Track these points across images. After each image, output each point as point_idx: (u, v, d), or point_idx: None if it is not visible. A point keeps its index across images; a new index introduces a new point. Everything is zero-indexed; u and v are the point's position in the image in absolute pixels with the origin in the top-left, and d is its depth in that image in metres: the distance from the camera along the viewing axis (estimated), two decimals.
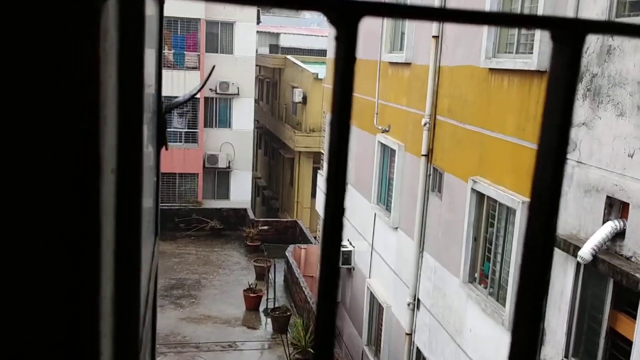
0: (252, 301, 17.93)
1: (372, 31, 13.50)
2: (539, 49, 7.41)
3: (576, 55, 0.44)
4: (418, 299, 11.08)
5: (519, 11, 8.18)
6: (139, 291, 0.71)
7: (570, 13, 6.85)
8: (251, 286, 18.18)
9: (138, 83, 0.67)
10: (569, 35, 0.44)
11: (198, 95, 25.47)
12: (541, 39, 7.41)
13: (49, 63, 0.46)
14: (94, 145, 0.47)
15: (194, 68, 25.61)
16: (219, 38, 26.62)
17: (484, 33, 8.69)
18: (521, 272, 0.48)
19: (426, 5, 0.46)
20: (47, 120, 0.47)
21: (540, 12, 7.42)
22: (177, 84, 24.71)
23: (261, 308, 17.96)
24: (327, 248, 0.42)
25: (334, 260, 0.43)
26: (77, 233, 0.47)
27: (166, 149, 1.54)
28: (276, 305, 17.41)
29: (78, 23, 0.46)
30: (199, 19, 25.49)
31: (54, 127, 0.47)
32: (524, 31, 8.13)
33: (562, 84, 0.44)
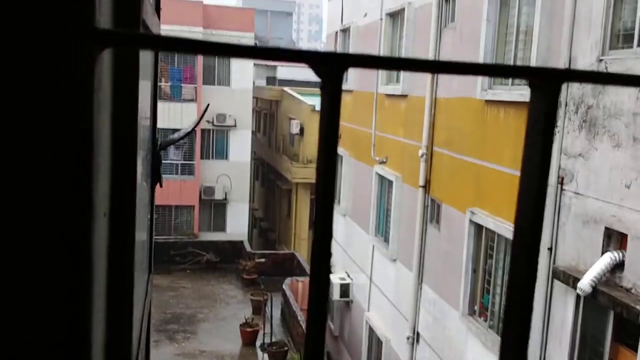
0: (249, 336, 17.69)
1: None
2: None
3: (552, 102, 0.45)
4: (417, 333, 10.95)
5: (513, 46, 8.28)
6: (130, 334, 0.69)
7: (564, 47, 6.93)
8: (247, 320, 17.95)
9: (132, 131, 0.66)
10: (545, 83, 0.46)
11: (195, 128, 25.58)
12: None
13: (43, 110, 0.47)
14: (87, 192, 0.46)
15: (190, 100, 25.77)
16: (216, 70, 26.86)
17: None
18: (507, 301, 0.50)
19: (409, 57, 0.47)
20: (41, 168, 0.47)
21: (534, 46, 7.50)
22: (174, 116, 24.82)
23: (258, 343, 17.70)
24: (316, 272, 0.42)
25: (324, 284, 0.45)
26: (68, 277, 0.46)
27: (160, 186, 1.52)
28: (273, 340, 17.17)
29: (74, 72, 0.46)
30: None
31: (47, 173, 0.47)
32: (519, 63, 8.21)
33: (539, 129, 0.45)
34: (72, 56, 0.45)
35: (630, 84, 0.50)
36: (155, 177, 1.48)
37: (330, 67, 0.41)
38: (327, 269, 0.47)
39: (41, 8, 0.45)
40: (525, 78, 0.47)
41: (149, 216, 1.42)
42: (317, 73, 0.42)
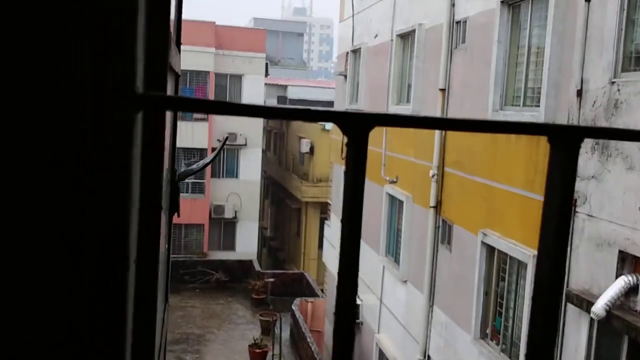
0: (258, 357, 17.56)
1: (379, 83, 13.69)
2: (546, 102, 7.46)
3: (572, 159, 0.46)
4: (428, 356, 10.82)
5: (524, 67, 8.28)
6: None
7: (576, 68, 6.92)
8: (256, 341, 17.84)
9: (157, 182, 0.69)
10: (564, 141, 0.46)
11: (206, 146, 25.71)
12: (547, 93, 7.47)
13: (88, 172, 0.51)
14: (124, 243, 0.48)
15: (202, 119, 25.95)
16: (227, 90, 27.07)
17: (491, 86, 8.78)
18: (531, 323, 0.49)
19: (429, 115, 0.49)
20: (82, 216, 0.50)
21: (545, 67, 7.50)
22: (186, 135, 24.97)
23: None
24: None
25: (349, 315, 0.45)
26: (105, 330, 0.47)
27: (178, 215, 1.52)
28: None
29: (117, 131, 0.50)
30: (208, 72, 25.98)
31: (89, 221, 0.50)
32: (530, 84, 8.21)
33: (559, 187, 0.46)
34: (114, 120, 0.48)
35: None
36: (173, 208, 1.48)
37: (357, 125, 0.43)
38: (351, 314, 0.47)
39: (89, 78, 0.48)
40: (546, 134, 0.47)
41: (166, 246, 1.42)
42: (344, 131, 0.43)
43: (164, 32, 0.83)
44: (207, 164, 2.16)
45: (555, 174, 0.46)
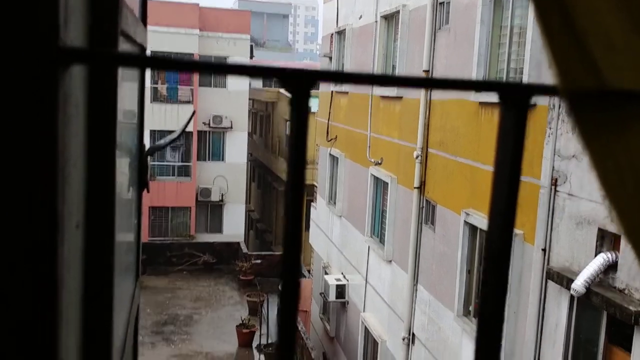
0: (245, 337, 17.69)
1: (364, 65, 13.67)
2: (528, 82, 7.50)
3: (521, 116, 0.47)
4: (413, 333, 10.97)
5: (507, 47, 8.31)
6: (109, 341, 0.70)
7: None
8: (244, 321, 17.96)
9: (110, 140, 0.68)
10: (514, 98, 0.47)
11: (191, 129, 25.55)
12: (529, 73, 7.51)
13: (6, 125, 0.48)
14: (52, 201, 0.47)
15: (187, 102, 25.76)
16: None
17: (474, 67, 8.81)
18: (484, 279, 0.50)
19: (367, 72, 0.50)
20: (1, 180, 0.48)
21: (528, 47, 7.53)
22: (170, 117, 24.81)
23: (254, 344, 17.71)
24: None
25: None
26: (33, 292, 0.47)
27: (147, 191, 1.53)
28: (270, 341, 17.18)
29: (35, 89, 0.48)
30: (192, 54, 25.75)
31: (9, 186, 0.47)
32: (512, 65, 8.25)
33: (510, 144, 0.47)
34: (34, 74, 0.47)
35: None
36: (142, 184, 1.50)
37: (299, 82, 0.44)
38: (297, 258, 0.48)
39: (5, 29, 0.46)
40: (497, 92, 0.49)
41: (135, 221, 1.43)
42: (287, 89, 0.44)
43: None
44: (174, 139, 2.17)
45: (505, 133, 0.47)
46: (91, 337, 0.60)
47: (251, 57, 28.40)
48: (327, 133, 16.17)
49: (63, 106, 0.49)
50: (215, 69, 0.44)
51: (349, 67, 14.89)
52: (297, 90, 0.45)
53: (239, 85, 26.97)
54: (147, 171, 1.57)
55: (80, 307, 0.58)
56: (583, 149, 0.49)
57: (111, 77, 0.72)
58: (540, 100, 7.18)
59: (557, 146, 6.97)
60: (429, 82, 0.53)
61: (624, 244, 5.98)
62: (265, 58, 44.63)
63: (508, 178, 0.48)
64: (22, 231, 0.47)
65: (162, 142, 2.04)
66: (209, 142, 27.12)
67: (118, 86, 0.75)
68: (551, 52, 0.46)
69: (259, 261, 23.49)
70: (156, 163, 25.17)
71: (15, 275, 0.47)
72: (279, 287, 0.46)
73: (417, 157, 10.64)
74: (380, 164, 12.49)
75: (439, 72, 10.23)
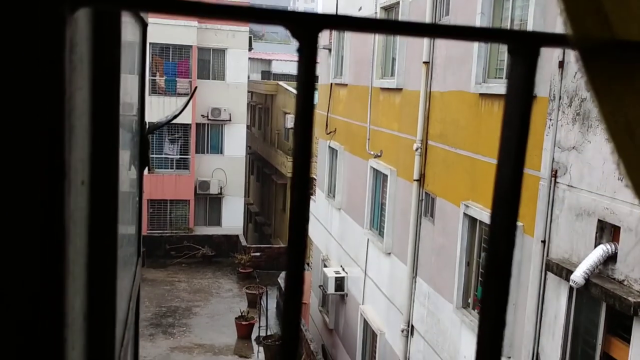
0: (244, 329, 17.72)
1: (363, 57, 13.63)
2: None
3: (531, 67, 0.45)
4: (412, 325, 10.99)
5: (509, 18, 8.27)
6: (114, 307, 0.69)
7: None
8: (243, 314, 17.98)
9: (113, 97, 0.66)
10: (524, 48, 0.45)
11: (190, 122, 25.51)
12: None
13: (9, 71, 0.46)
14: (59, 153, 0.46)
15: (185, 94, 25.70)
16: (210, 64, 26.79)
17: (474, 59, 8.78)
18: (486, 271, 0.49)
19: (381, 18, 0.48)
20: (7, 128, 0.46)
21: (530, 18, 7.47)
22: (169, 110, 24.73)
23: (253, 336, 17.74)
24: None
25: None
26: (40, 243, 0.46)
27: (149, 170, 1.53)
28: (269, 333, 17.21)
29: (42, 33, 0.46)
30: (191, 46, 25.67)
31: (16, 134, 0.46)
32: None
33: (519, 95, 0.45)
34: (40, 18, 0.45)
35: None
36: (143, 161, 1.48)
37: (307, 27, 0.42)
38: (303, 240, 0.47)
39: None
40: (506, 42, 0.47)
41: (137, 199, 1.42)
42: (293, 34, 0.42)
43: None
44: (175, 116, 2.16)
45: (514, 83, 0.46)
46: (97, 296, 0.59)
47: (250, 49, 28.32)
48: (327, 126, 16.15)
49: (69, 54, 0.48)
50: (219, 13, 0.42)
51: (349, 59, 14.85)
52: (305, 35, 0.42)
53: (237, 77, 26.90)
54: (149, 149, 1.56)
55: (85, 263, 0.56)
56: (593, 101, 0.48)
57: (116, 24, 0.70)
58: (541, 92, 7.16)
59: (557, 137, 6.96)
60: (435, 29, 0.50)
61: (623, 235, 5.98)
62: (264, 50, 44.50)
63: (517, 135, 0.47)
64: (30, 179, 0.46)
65: (162, 120, 2.03)
66: (207, 134, 27.08)
67: (121, 38, 0.73)
68: (564, 4, 0.45)
69: (257, 254, 23.50)
70: (155, 156, 25.15)
71: (23, 225, 0.46)
72: (279, 280, 0.44)
73: (416, 149, 10.62)
74: (379, 156, 12.48)
75: (439, 65, 10.20)
